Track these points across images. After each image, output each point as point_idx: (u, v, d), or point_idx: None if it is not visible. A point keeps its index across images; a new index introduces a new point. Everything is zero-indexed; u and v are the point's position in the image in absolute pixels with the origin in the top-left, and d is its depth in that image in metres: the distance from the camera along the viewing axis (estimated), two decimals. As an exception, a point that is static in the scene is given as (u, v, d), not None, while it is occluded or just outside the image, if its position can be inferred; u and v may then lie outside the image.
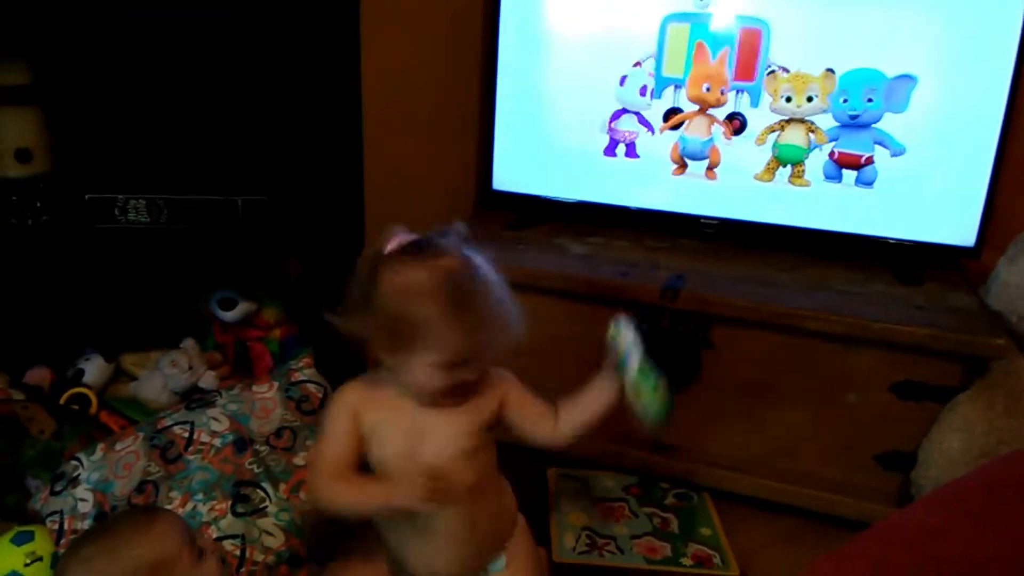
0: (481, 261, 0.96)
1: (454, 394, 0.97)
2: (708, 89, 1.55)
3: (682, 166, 1.61)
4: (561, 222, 1.76)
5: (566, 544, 1.36)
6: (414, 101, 1.75)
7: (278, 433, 1.29)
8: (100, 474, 1.20)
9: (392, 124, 1.66)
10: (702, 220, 1.63)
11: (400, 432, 0.99)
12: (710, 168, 1.60)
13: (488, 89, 1.70)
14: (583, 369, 1.50)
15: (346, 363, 1.41)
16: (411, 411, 0.99)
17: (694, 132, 1.58)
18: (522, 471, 1.49)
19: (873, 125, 1.49)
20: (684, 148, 1.60)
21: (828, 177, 1.54)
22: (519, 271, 1.49)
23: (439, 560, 1.03)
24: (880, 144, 1.49)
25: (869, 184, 1.51)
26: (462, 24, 1.77)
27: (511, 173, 1.72)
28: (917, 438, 1.36)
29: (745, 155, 1.57)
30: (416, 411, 0.99)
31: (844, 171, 1.52)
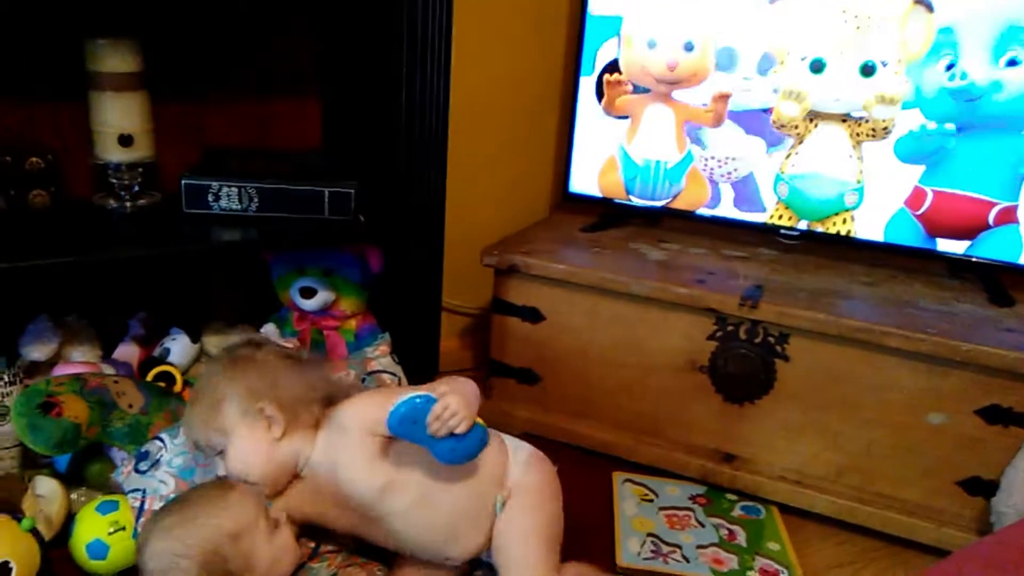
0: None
1: None
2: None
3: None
4: (636, 226, 1.76)
5: (631, 548, 1.35)
6: (496, 101, 1.77)
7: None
8: (183, 460, 1.22)
9: (474, 124, 1.68)
10: (782, 230, 1.60)
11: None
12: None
13: (571, 91, 1.70)
14: (652, 374, 1.50)
15: (421, 352, 1.44)
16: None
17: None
18: (586, 474, 1.50)
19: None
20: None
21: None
22: (595, 274, 1.49)
23: (428, 543, 1.11)
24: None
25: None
26: (548, 26, 1.78)
27: (588, 176, 1.72)
28: (1001, 464, 1.31)
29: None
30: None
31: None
